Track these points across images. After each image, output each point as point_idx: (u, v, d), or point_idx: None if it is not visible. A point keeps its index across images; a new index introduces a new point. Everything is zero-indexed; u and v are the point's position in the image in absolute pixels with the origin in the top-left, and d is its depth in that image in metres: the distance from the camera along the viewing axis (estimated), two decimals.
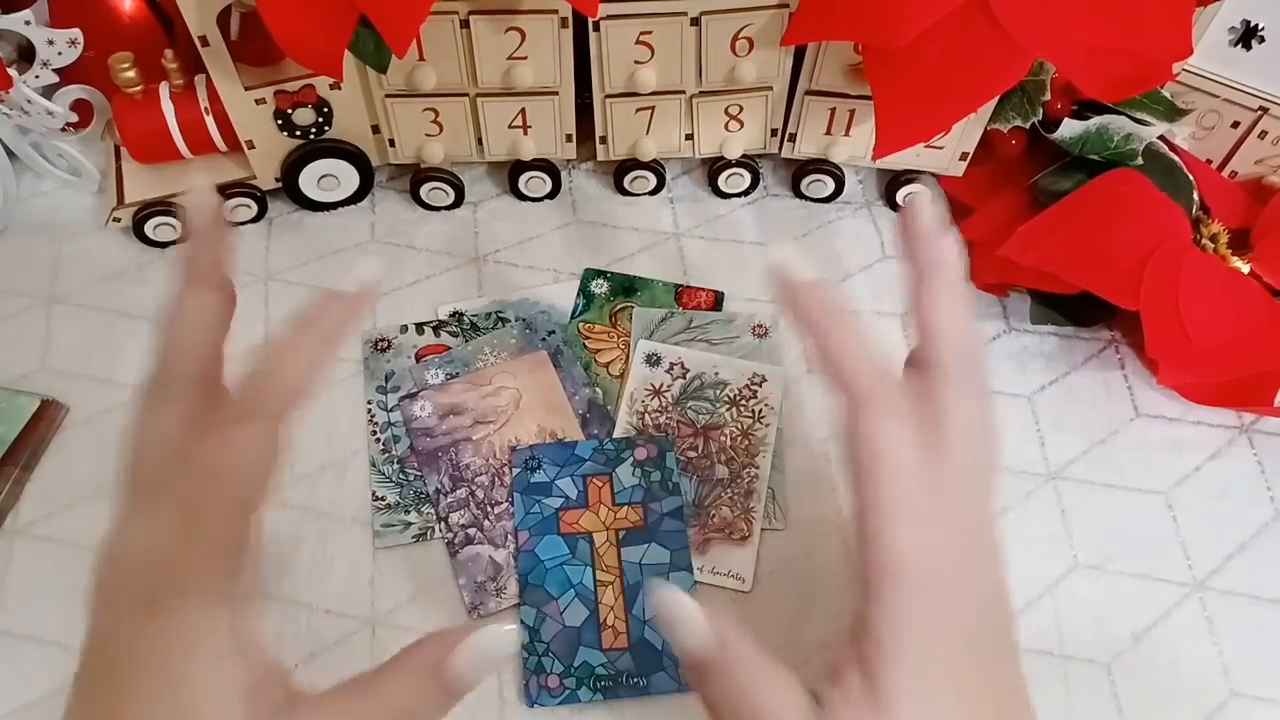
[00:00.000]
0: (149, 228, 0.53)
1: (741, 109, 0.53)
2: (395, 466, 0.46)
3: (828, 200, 0.57)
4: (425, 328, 0.51)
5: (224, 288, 0.30)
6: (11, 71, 0.48)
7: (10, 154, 0.54)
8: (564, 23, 0.47)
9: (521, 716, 0.40)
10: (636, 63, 0.49)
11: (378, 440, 0.47)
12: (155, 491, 0.28)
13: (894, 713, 0.27)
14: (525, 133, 0.53)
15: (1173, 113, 0.52)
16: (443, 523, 0.45)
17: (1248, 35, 0.50)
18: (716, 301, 0.53)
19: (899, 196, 0.56)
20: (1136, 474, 0.47)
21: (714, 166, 0.56)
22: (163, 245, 0.54)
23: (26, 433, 0.46)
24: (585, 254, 0.54)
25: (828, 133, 0.53)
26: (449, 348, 0.50)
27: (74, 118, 0.53)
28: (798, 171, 0.56)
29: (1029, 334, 0.52)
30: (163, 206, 0.52)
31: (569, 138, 0.54)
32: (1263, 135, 0.52)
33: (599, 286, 0.53)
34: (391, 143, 0.53)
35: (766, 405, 0.48)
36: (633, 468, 0.46)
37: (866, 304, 0.52)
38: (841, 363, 0.30)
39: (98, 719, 0.26)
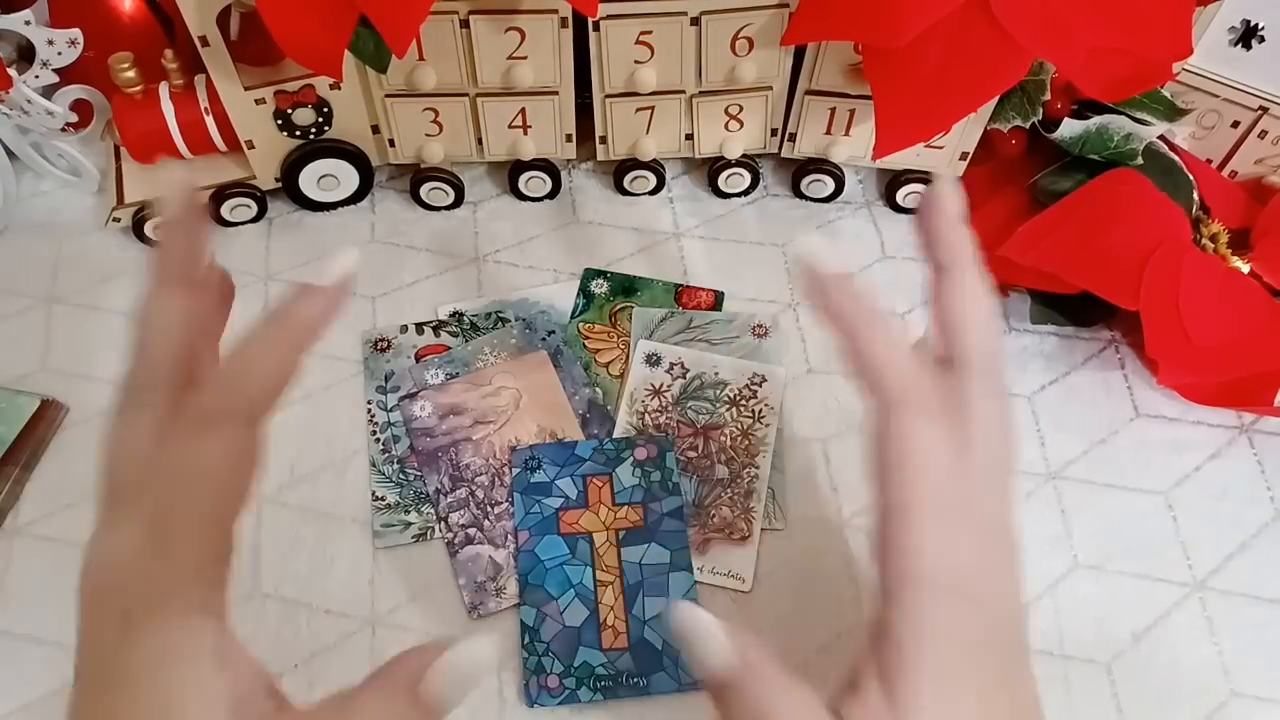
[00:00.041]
0: (149, 228, 0.53)
1: (741, 109, 0.53)
2: (395, 466, 0.46)
3: (828, 200, 0.57)
4: (425, 328, 0.51)
5: (201, 285, 0.29)
6: (11, 71, 0.48)
7: (10, 154, 0.54)
8: (564, 23, 0.47)
9: (521, 716, 0.40)
10: (636, 63, 0.49)
11: (378, 440, 0.47)
12: (128, 501, 0.27)
13: None
14: (525, 133, 0.53)
15: (1173, 113, 0.52)
16: (443, 523, 0.45)
17: (1248, 35, 0.50)
18: (716, 301, 0.53)
19: (900, 196, 0.56)
20: (1136, 474, 0.47)
21: (714, 166, 0.56)
22: None
23: (26, 433, 0.46)
24: (585, 254, 0.54)
25: (828, 133, 0.53)
26: (449, 348, 0.50)
27: (74, 118, 0.53)
28: (798, 171, 0.56)
29: (1029, 334, 0.52)
30: None
31: (569, 138, 0.54)
32: (1263, 135, 0.52)
33: (599, 286, 0.53)
34: (391, 143, 0.53)
35: (766, 405, 0.48)
36: (633, 468, 0.46)
37: (875, 300, 0.52)
38: (872, 360, 0.29)
39: None
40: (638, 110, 0.52)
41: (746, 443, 0.47)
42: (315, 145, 0.52)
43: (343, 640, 0.42)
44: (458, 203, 0.56)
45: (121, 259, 0.53)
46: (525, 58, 0.49)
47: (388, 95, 0.50)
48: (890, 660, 0.27)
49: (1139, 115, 0.51)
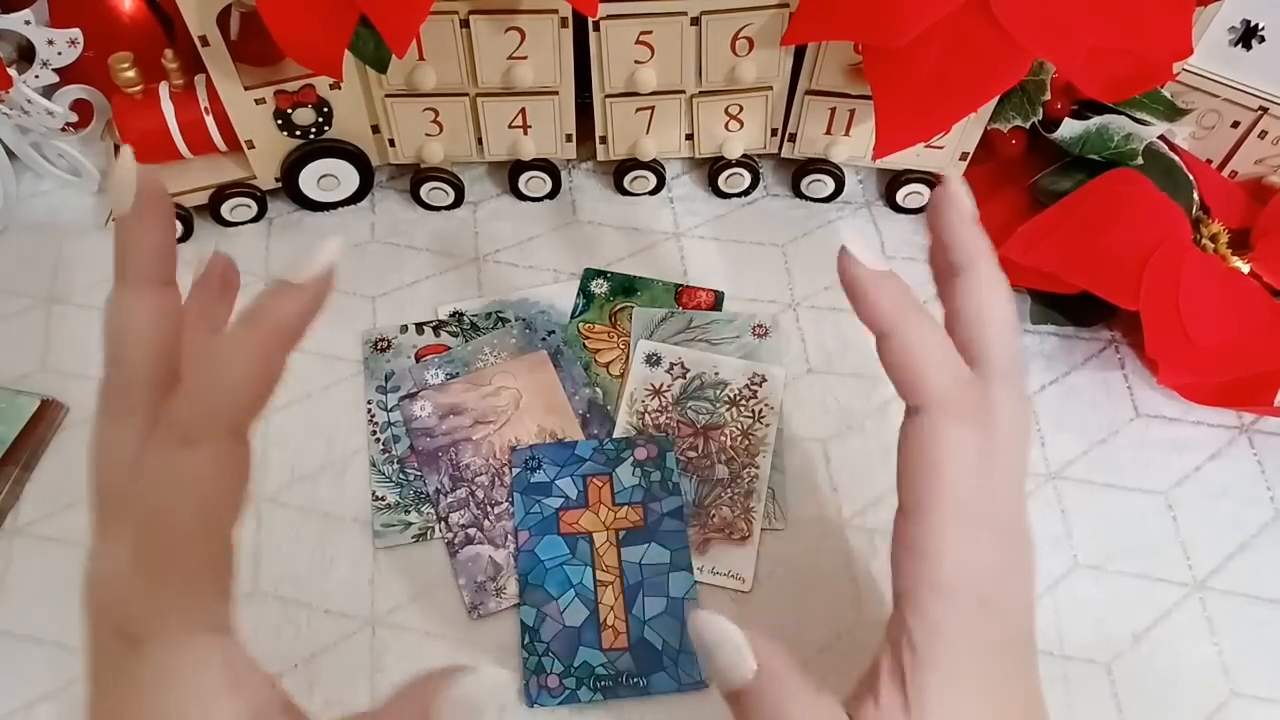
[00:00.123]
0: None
1: (741, 109, 0.53)
2: (395, 466, 0.46)
3: (828, 200, 0.57)
4: (425, 328, 0.51)
5: (171, 280, 0.27)
6: (11, 71, 0.48)
7: (10, 154, 0.54)
8: (564, 22, 0.47)
9: (521, 716, 0.40)
10: (636, 62, 0.49)
11: (378, 440, 0.47)
12: (118, 516, 0.26)
13: None
14: (525, 133, 0.53)
15: (1173, 113, 0.52)
16: (443, 523, 0.45)
17: (1248, 35, 0.50)
18: (716, 301, 0.53)
19: (900, 197, 0.56)
20: (1136, 474, 0.47)
21: (714, 166, 0.56)
22: None
23: (26, 433, 0.46)
24: (585, 254, 0.54)
25: (828, 133, 0.53)
26: (449, 348, 0.50)
27: (74, 118, 0.52)
28: (798, 171, 0.56)
29: (1029, 334, 0.52)
30: None
31: (569, 138, 0.54)
32: (1263, 135, 0.52)
33: (599, 286, 0.53)
34: (391, 143, 0.53)
35: (766, 405, 0.48)
36: (633, 468, 0.46)
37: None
38: (910, 360, 0.28)
39: None
40: (638, 110, 0.52)
41: (746, 443, 0.47)
42: (315, 145, 0.52)
43: (343, 640, 0.42)
44: (458, 203, 0.56)
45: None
46: (525, 58, 0.49)
47: (388, 95, 0.50)
48: (907, 665, 0.27)
49: (1139, 115, 0.51)
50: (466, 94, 0.51)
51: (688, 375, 0.49)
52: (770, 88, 0.52)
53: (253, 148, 0.51)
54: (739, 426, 0.48)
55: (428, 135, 0.53)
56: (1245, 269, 0.49)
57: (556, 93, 0.51)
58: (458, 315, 0.51)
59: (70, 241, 0.54)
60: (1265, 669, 0.42)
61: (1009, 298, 0.30)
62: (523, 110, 0.52)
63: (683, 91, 0.51)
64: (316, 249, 0.25)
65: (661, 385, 0.49)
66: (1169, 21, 0.45)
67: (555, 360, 0.49)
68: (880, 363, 0.29)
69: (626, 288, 0.53)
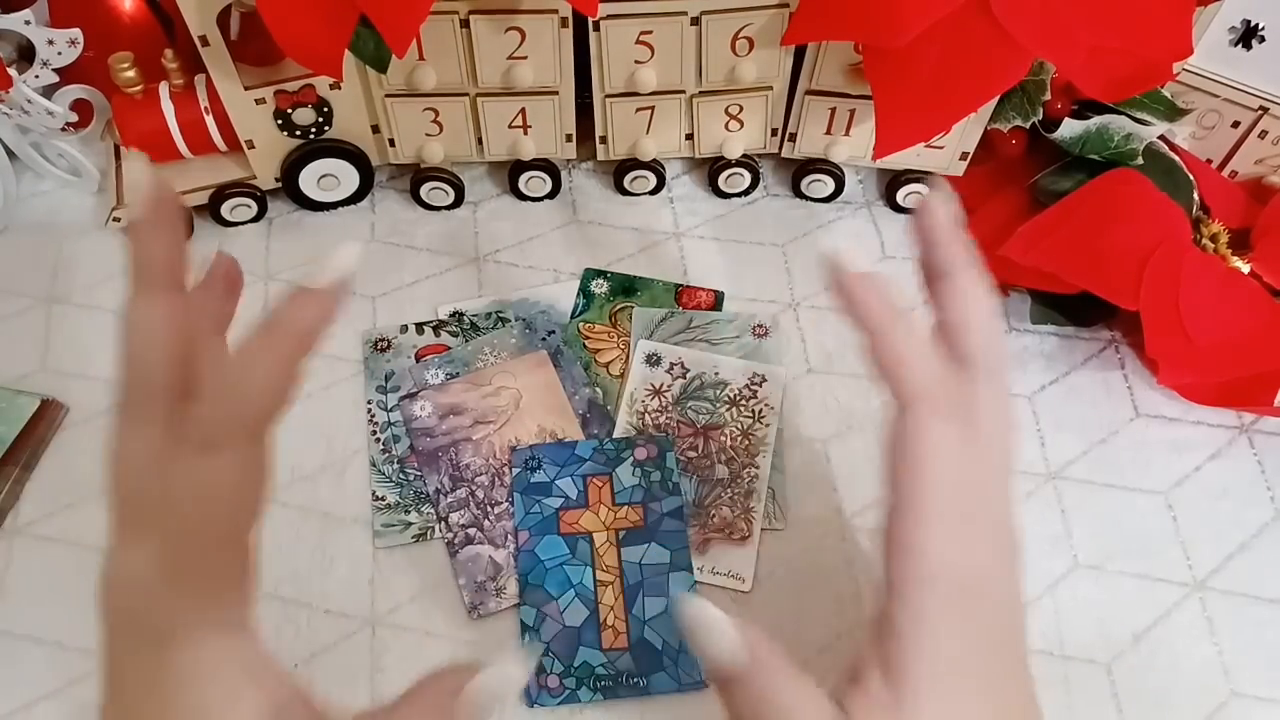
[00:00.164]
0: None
1: (741, 109, 0.53)
2: (395, 466, 0.46)
3: (828, 200, 0.57)
4: (425, 328, 0.51)
5: (184, 285, 0.28)
6: (11, 71, 0.48)
7: (10, 154, 0.54)
8: (564, 22, 0.47)
9: (521, 716, 0.40)
10: (636, 62, 0.49)
11: (378, 440, 0.47)
12: (140, 521, 0.26)
13: (915, 715, 0.27)
14: (525, 132, 0.53)
15: (1173, 112, 0.52)
16: (443, 523, 0.45)
17: (1248, 35, 0.50)
18: (716, 301, 0.53)
19: (900, 196, 0.56)
20: (1136, 474, 0.47)
21: (714, 166, 0.56)
22: None
23: (26, 433, 0.46)
24: (585, 254, 0.54)
25: (828, 132, 0.53)
26: (449, 348, 0.50)
27: (74, 118, 0.53)
28: (798, 171, 0.56)
29: (1029, 334, 0.52)
30: None
31: (569, 137, 0.54)
32: (1263, 135, 0.52)
33: (599, 286, 0.53)
34: (391, 142, 0.53)
35: (766, 405, 0.48)
36: (633, 468, 0.46)
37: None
38: (893, 358, 0.29)
39: None
40: (638, 110, 0.52)
41: (746, 443, 0.47)
42: (315, 145, 0.52)
43: (342, 640, 0.42)
44: (458, 203, 0.56)
45: (121, 259, 0.53)
46: (525, 58, 0.49)
47: (388, 95, 0.50)
48: (893, 654, 0.27)
49: (1139, 115, 0.51)
50: (466, 94, 0.51)
51: (688, 375, 0.49)
52: (770, 88, 0.52)
53: (253, 148, 0.51)
54: (739, 426, 0.48)
55: (428, 135, 0.53)
56: (1245, 269, 0.49)
57: (556, 93, 0.51)
58: (458, 315, 0.51)
59: (70, 241, 0.54)
60: (1265, 669, 0.42)
61: (991, 301, 0.31)
62: (523, 110, 0.52)
63: (683, 91, 0.51)
64: (334, 254, 0.26)
65: (661, 385, 0.49)
66: (1169, 21, 0.45)
67: (555, 360, 0.49)
68: (867, 363, 0.30)
69: (626, 288, 0.53)
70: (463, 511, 0.45)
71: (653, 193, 0.57)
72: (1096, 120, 0.50)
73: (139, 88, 0.49)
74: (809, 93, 0.52)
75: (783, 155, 0.55)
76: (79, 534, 0.44)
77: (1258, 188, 0.54)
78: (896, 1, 0.41)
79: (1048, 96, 0.51)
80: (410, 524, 0.45)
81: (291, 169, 0.53)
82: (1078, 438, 0.48)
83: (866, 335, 0.30)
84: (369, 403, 0.48)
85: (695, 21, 0.48)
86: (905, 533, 0.28)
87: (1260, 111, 0.52)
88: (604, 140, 0.54)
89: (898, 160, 0.54)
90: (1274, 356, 0.45)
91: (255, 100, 0.49)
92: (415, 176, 0.55)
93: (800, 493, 0.46)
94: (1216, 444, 0.48)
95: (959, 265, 0.31)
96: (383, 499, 0.45)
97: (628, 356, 0.50)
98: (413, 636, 0.42)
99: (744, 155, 0.55)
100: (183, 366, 0.27)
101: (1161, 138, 0.51)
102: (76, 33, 0.49)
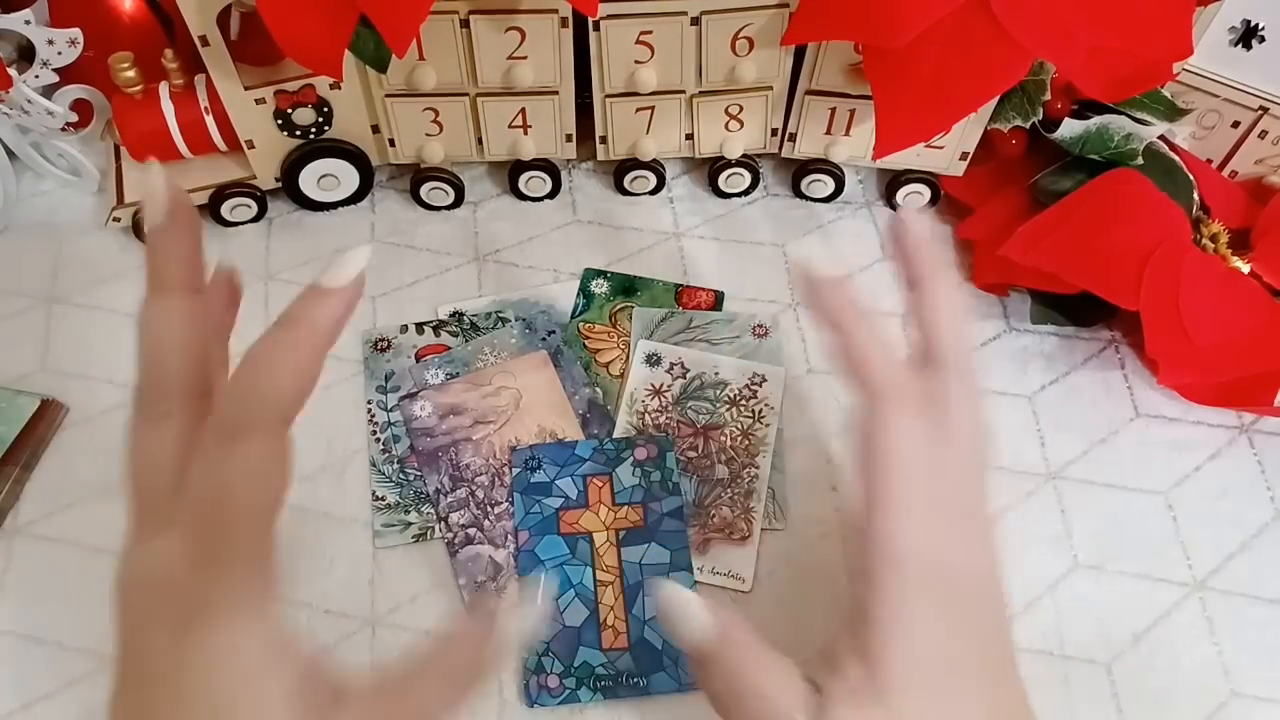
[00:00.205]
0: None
1: (741, 109, 0.53)
2: (395, 466, 0.46)
3: (828, 200, 0.57)
4: (425, 328, 0.51)
5: (203, 287, 0.29)
6: (11, 71, 0.48)
7: (10, 154, 0.54)
8: (564, 22, 0.47)
9: (521, 716, 0.40)
10: (636, 62, 0.49)
11: (378, 440, 0.47)
12: (165, 516, 0.27)
13: (894, 700, 0.27)
14: (525, 132, 0.53)
15: (1173, 112, 0.52)
16: (443, 523, 0.45)
17: (1248, 35, 0.50)
18: (716, 301, 0.53)
19: (900, 197, 0.56)
20: (1136, 474, 0.47)
21: (714, 166, 0.56)
22: None
23: (26, 433, 0.46)
24: (585, 254, 0.54)
25: (828, 133, 0.53)
26: (449, 348, 0.50)
27: (74, 118, 0.52)
28: (798, 171, 0.56)
29: (1029, 334, 0.52)
30: None
31: (569, 137, 0.54)
32: (1263, 135, 0.52)
33: (599, 286, 0.53)
34: (391, 142, 0.53)
35: (766, 405, 0.48)
36: (633, 468, 0.46)
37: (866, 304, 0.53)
38: (859, 358, 0.31)
39: None
40: (638, 110, 0.52)
41: (746, 443, 0.47)
42: (315, 145, 0.52)
43: (343, 640, 0.42)
44: (458, 203, 0.56)
45: (121, 259, 0.53)
46: (525, 58, 0.49)
47: (388, 95, 0.50)
48: (870, 643, 0.28)
49: (1139, 115, 0.51)
50: (466, 94, 0.51)
51: (688, 375, 0.49)
52: (770, 88, 0.52)
53: (253, 148, 0.51)
54: (739, 426, 0.48)
55: (428, 135, 0.53)
56: (1245, 269, 0.49)
57: (556, 93, 0.51)
58: (458, 315, 0.51)
59: (70, 241, 0.54)
60: (1265, 669, 0.42)
61: (960, 305, 0.33)
62: (523, 110, 0.52)
63: (683, 91, 0.51)
64: (348, 256, 0.27)
65: (661, 385, 0.49)
66: (1169, 21, 0.45)
67: (555, 360, 0.49)
68: (834, 362, 0.32)
69: (626, 288, 0.53)
70: (463, 511, 0.45)
71: (653, 193, 0.57)
72: (1096, 120, 0.50)
73: (139, 88, 0.49)
74: (809, 93, 0.52)
75: (783, 155, 0.55)
76: (79, 534, 0.44)
77: (1258, 188, 0.54)
78: (896, 1, 0.41)
79: (1048, 96, 0.51)
80: (410, 524, 0.45)
81: (291, 169, 0.53)
82: (1078, 438, 0.48)
83: (833, 335, 0.31)
84: (369, 403, 0.48)
85: (695, 21, 0.48)
86: (876, 520, 0.29)
87: (1260, 111, 0.52)
88: (604, 140, 0.54)
89: (898, 160, 0.54)
90: (1274, 356, 0.45)
91: (255, 100, 0.49)
92: (415, 176, 0.55)
93: (800, 493, 0.46)
94: (1216, 444, 0.48)
95: (929, 271, 0.33)
96: (383, 499, 0.45)
97: (628, 356, 0.50)
98: (413, 636, 0.42)
99: (744, 155, 0.55)
100: (200, 366, 0.28)
101: (1161, 138, 0.51)
102: (76, 33, 0.49)
